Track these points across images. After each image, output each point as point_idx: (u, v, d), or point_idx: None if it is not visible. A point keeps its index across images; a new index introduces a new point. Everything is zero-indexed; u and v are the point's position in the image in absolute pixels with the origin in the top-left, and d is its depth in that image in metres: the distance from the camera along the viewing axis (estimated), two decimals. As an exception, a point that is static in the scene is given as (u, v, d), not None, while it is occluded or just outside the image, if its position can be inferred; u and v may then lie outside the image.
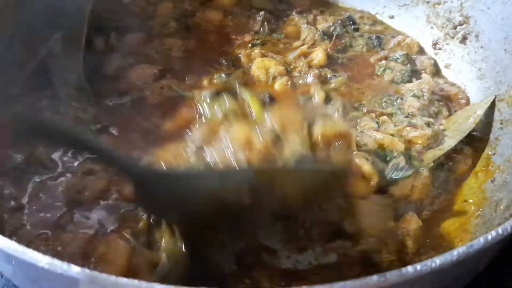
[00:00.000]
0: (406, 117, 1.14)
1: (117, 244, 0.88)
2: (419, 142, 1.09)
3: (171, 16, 1.39)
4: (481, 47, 1.26)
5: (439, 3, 1.36)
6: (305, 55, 1.31)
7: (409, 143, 1.09)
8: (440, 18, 1.36)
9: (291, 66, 1.27)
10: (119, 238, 0.89)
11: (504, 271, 1.00)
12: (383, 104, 1.19)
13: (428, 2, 1.38)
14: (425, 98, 1.19)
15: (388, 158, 1.05)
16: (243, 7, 1.44)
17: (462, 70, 1.27)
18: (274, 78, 1.22)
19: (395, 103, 1.19)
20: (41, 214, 0.95)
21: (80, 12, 1.25)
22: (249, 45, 1.34)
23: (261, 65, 1.24)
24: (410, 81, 1.25)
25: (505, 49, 1.18)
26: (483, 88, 1.21)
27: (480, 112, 1.12)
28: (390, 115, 1.15)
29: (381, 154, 1.06)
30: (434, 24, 1.37)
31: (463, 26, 1.30)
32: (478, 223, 0.99)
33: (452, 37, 1.32)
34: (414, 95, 1.20)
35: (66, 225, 0.93)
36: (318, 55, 1.29)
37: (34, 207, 0.96)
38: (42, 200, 0.97)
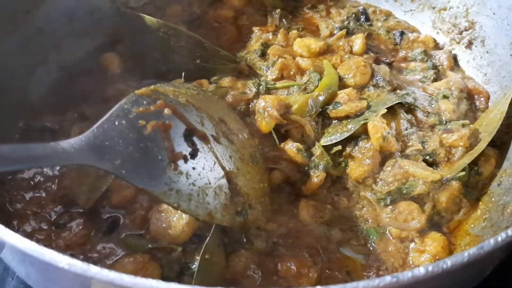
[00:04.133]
0: (444, 124, 1.10)
1: None
2: (461, 144, 1.04)
3: (180, 19, 1.40)
4: (487, 52, 1.27)
5: (445, 9, 1.37)
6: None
7: (450, 148, 1.05)
8: (446, 24, 1.37)
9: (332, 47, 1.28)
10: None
11: (510, 275, 1.01)
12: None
13: (434, 8, 1.39)
14: (454, 96, 1.15)
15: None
16: (253, 7, 1.45)
17: (468, 75, 1.28)
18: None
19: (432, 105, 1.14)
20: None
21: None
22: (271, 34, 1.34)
23: (301, 43, 1.25)
24: (436, 80, 1.22)
25: (510, 54, 1.19)
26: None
27: (504, 108, 1.08)
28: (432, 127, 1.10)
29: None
30: (440, 29, 1.38)
31: (469, 31, 1.31)
32: (485, 226, 1.00)
33: (458, 43, 1.33)
34: (444, 96, 1.15)
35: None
36: (358, 43, 1.28)
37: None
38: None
